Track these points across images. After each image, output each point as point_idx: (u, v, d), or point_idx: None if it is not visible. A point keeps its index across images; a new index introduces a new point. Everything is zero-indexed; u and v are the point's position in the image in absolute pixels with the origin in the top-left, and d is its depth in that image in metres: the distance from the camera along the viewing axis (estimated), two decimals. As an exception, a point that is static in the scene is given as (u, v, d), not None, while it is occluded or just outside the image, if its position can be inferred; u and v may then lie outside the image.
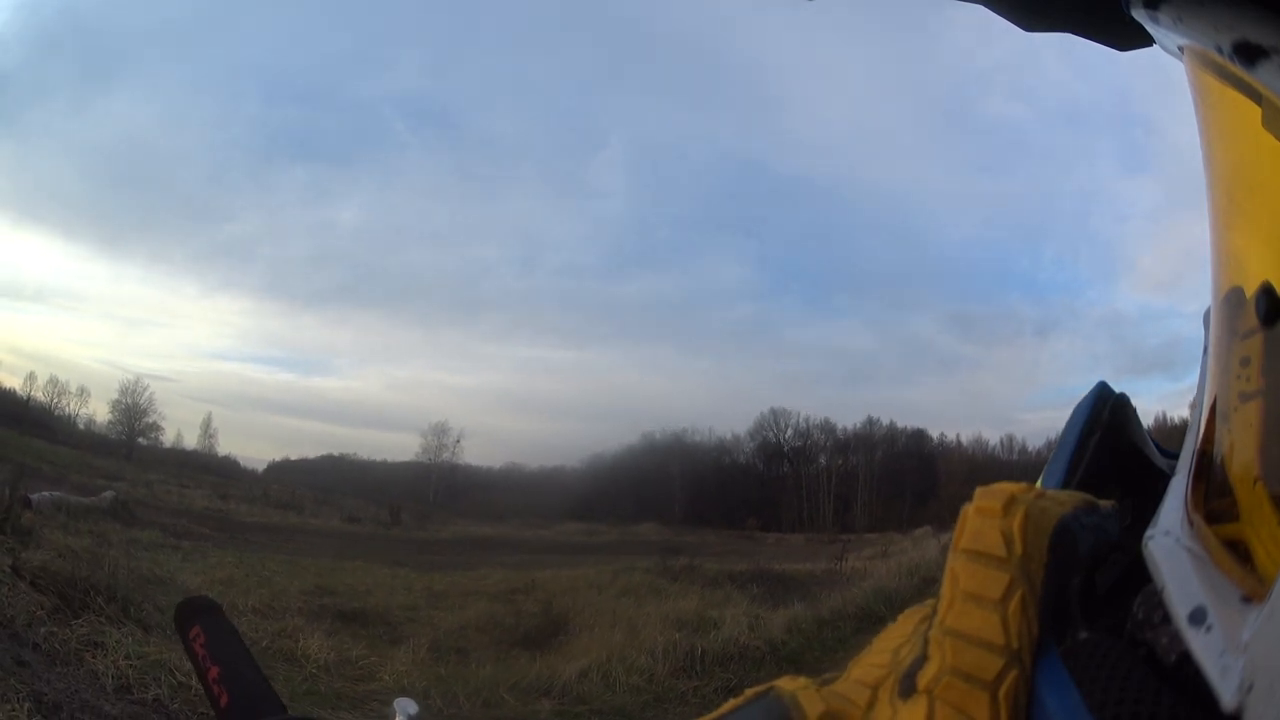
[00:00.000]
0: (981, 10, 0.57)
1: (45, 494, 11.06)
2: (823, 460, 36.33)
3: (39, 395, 30.66)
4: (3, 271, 33.87)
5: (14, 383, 29.58)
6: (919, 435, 37.28)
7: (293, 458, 36.62)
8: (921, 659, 0.37)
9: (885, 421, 36.99)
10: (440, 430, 35.03)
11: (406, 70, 49.57)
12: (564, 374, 46.75)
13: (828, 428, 37.12)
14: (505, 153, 49.27)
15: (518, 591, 11.35)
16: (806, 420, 37.23)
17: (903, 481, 33.98)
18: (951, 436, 37.53)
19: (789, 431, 37.23)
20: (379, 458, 37.73)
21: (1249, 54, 0.37)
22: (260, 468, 33.63)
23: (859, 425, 36.98)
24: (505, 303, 48.62)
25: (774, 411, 37.27)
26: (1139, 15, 0.47)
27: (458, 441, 35.04)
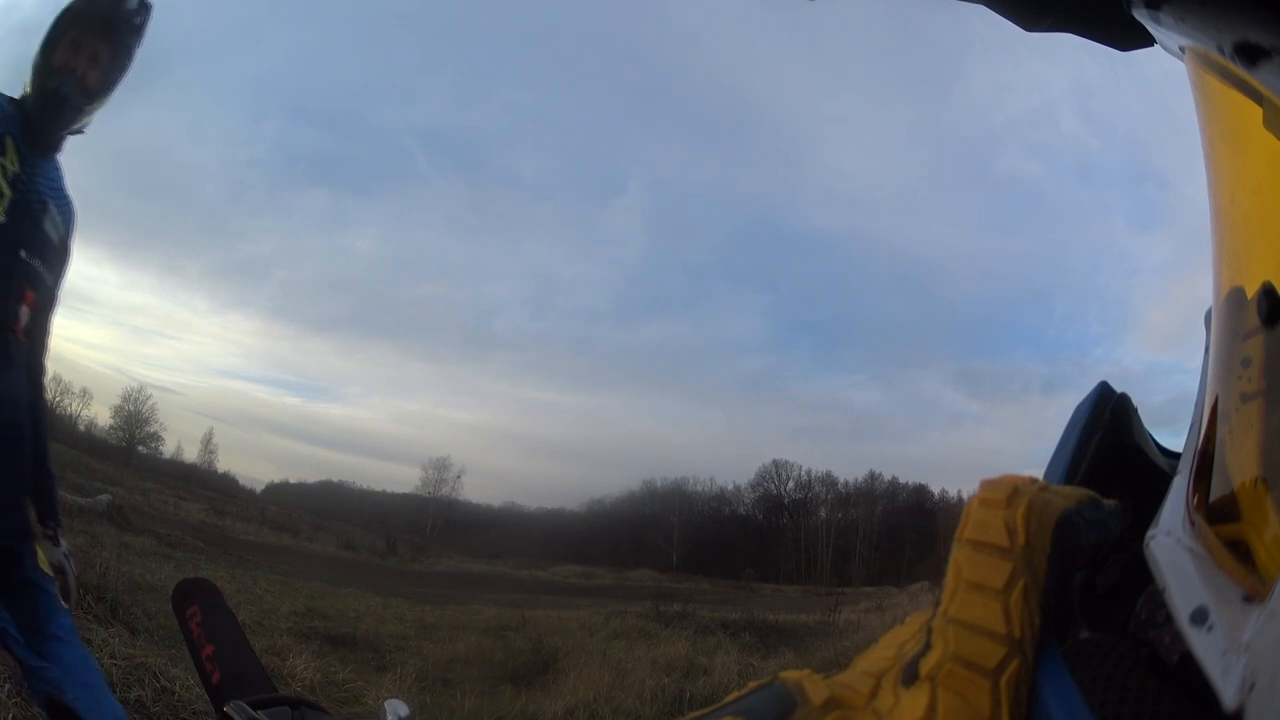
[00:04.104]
0: (986, 13, 0.58)
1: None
2: (823, 513, 36.00)
3: (41, 391, 30.69)
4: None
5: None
6: (920, 491, 36.95)
7: (291, 480, 36.50)
8: (925, 648, 0.37)
9: (887, 476, 36.72)
10: (441, 465, 34.95)
11: (431, 104, 50.14)
12: (570, 417, 46.45)
13: (829, 481, 36.87)
14: (525, 193, 49.52)
15: (509, 628, 11.21)
16: (808, 473, 37.00)
17: (902, 536, 33.55)
18: (953, 492, 37.18)
19: (790, 484, 36.98)
20: (378, 488, 37.55)
21: (1250, 54, 0.38)
22: (258, 488, 33.53)
23: (860, 479, 36.72)
24: (515, 343, 48.52)
25: (776, 463, 37.07)
26: (1140, 15, 0.48)
27: (458, 477, 34.93)
